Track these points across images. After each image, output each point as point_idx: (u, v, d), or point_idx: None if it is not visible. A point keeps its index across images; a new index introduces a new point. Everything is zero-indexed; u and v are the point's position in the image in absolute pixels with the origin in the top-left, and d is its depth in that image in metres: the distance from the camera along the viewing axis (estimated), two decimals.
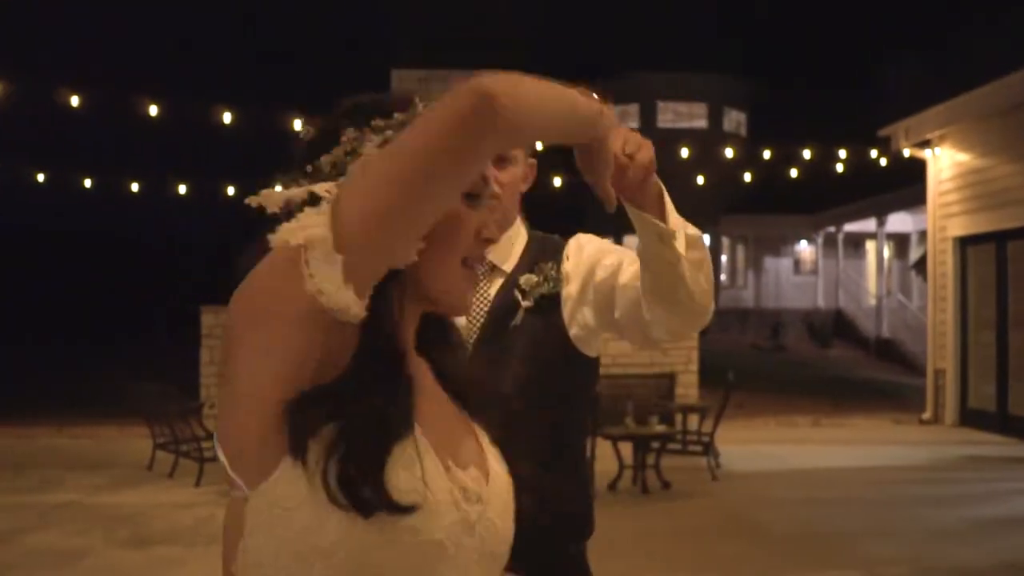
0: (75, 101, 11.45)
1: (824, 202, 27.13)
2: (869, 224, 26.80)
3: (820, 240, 30.68)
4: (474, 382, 1.32)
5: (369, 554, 1.03)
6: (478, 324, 2.12)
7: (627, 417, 9.35)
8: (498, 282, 2.17)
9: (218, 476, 8.03)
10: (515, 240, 2.23)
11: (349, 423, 1.03)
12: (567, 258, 2.17)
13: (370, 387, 1.06)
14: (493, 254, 2.18)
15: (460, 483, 1.12)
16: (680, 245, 1.70)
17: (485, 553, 1.15)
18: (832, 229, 29.30)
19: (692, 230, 1.74)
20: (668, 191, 1.67)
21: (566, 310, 2.11)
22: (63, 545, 7.02)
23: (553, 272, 2.13)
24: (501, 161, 2.13)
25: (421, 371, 1.22)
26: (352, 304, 1.03)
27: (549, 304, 2.11)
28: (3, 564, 6.50)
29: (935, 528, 7.66)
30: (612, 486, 9.06)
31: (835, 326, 28.21)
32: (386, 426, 1.05)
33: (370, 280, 1.05)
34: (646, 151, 1.55)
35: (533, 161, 2.26)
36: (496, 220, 1.94)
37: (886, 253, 27.40)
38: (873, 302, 27.33)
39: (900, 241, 28.88)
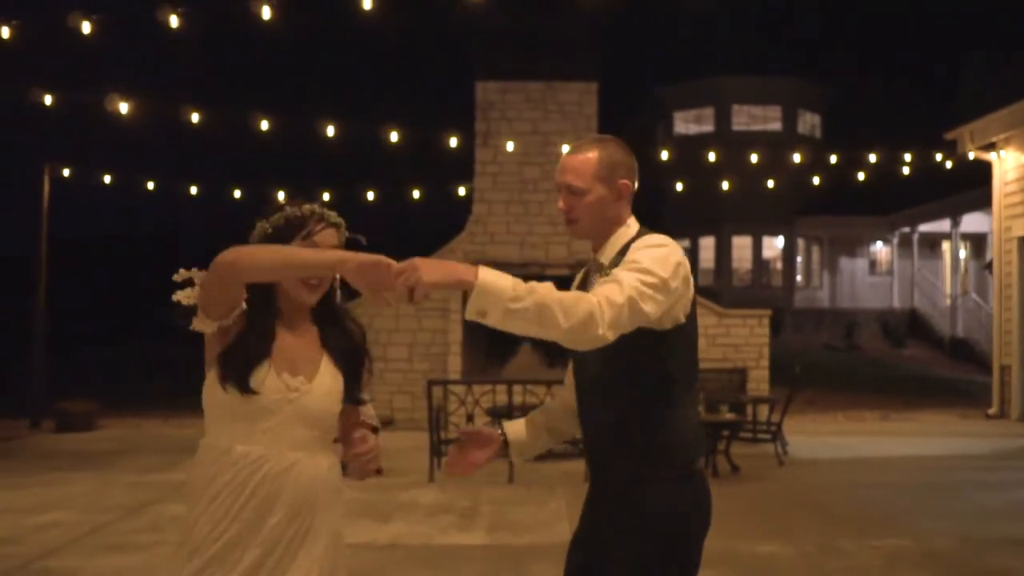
0: (195, 117, 12.52)
1: (898, 203, 27.36)
2: (944, 225, 26.99)
3: (895, 241, 30.77)
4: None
5: (235, 406, 2.33)
6: None
7: (699, 406, 10.06)
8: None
9: None
10: (619, 240, 2.64)
11: (232, 349, 2.35)
12: (632, 249, 2.54)
13: (248, 334, 2.37)
14: (601, 254, 2.65)
15: (286, 382, 2.36)
16: (492, 320, 2.18)
17: (300, 414, 2.37)
18: (907, 230, 29.45)
19: (516, 305, 2.17)
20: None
21: None
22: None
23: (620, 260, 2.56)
24: (572, 194, 2.61)
25: (303, 331, 2.46)
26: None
27: None
28: (137, 529, 7.42)
29: (986, 507, 8.24)
30: None
31: (910, 326, 28.30)
32: (249, 352, 2.35)
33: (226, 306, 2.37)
34: (411, 273, 2.11)
35: (626, 182, 2.65)
36: (578, 231, 2.68)
37: (961, 253, 27.48)
38: (948, 302, 27.44)
39: (977, 241, 28.86)
